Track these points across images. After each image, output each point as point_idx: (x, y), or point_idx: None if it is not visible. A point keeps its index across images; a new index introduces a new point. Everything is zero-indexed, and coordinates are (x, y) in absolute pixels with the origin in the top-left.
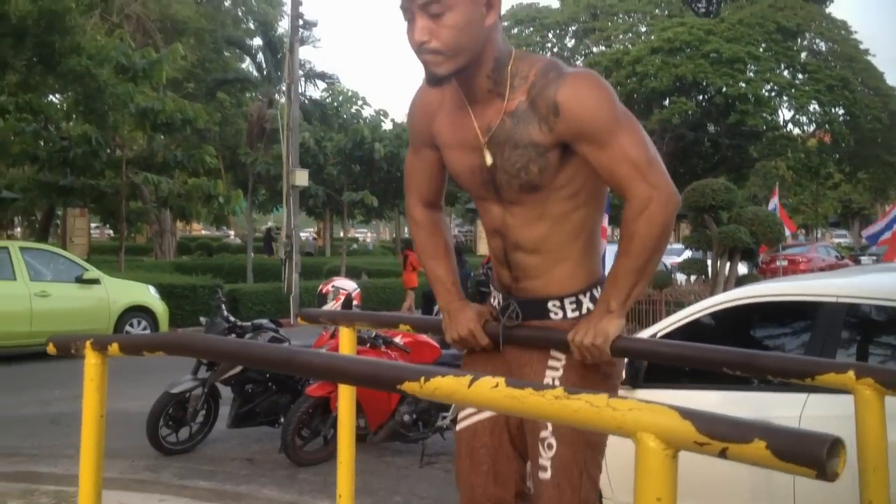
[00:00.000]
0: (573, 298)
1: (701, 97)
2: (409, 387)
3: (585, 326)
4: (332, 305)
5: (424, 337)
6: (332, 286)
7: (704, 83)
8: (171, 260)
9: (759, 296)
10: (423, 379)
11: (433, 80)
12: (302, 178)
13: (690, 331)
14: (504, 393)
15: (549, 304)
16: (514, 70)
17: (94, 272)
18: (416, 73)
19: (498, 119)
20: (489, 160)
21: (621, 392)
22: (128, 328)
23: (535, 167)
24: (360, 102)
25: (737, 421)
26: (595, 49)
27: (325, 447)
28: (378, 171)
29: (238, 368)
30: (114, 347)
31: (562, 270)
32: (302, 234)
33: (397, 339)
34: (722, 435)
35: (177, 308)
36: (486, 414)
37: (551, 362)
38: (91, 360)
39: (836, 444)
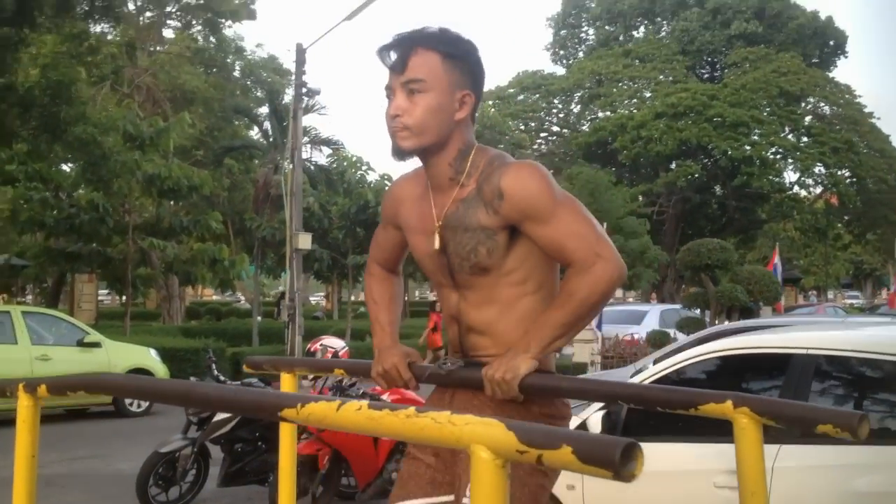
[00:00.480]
0: None
1: (706, 160)
2: (287, 413)
3: (499, 363)
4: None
5: (412, 394)
6: (321, 344)
7: (709, 146)
8: (179, 324)
9: (736, 348)
10: (299, 405)
11: (397, 152)
12: (305, 241)
13: (672, 379)
14: (365, 415)
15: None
16: (474, 161)
17: (95, 335)
18: None
19: (450, 205)
20: (437, 244)
21: None
22: None
23: (484, 249)
24: (364, 167)
25: (549, 430)
26: (600, 114)
27: None
28: None
29: (227, 427)
30: (42, 389)
31: (510, 329)
32: (312, 299)
33: (384, 397)
34: (538, 443)
35: (178, 370)
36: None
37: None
38: (23, 402)
39: (631, 448)
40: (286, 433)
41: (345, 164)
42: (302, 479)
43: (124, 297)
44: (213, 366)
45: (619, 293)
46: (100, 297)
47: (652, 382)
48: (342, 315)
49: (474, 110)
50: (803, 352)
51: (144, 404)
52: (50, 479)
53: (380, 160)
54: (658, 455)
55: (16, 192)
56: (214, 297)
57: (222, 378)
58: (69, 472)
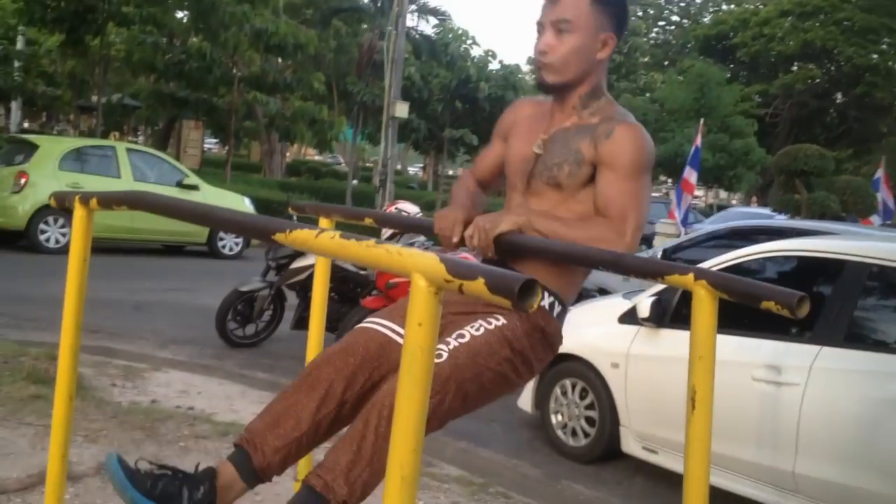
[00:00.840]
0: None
1: (829, 65)
2: (278, 236)
3: (489, 215)
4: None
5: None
6: (396, 207)
7: (834, 51)
8: (279, 179)
9: (795, 249)
10: (287, 231)
11: (541, 85)
12: (402, 110)
13: (735, 273)
14: (337, 242)
15: None
16: (601, 105)
17: (193, 178)
18: (528, 18)
19: (565, 125)
20: (538, 150)
21: (645, 330)
22: (220, 234)
23: (567, 168)
24: (469, 41)
25: (471, 265)
26: (724, 7)
27: None
28: (481, 111)
29: (304, 275)
30: (93, 202)
31: (541, 269)
32: (411, 169)
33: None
34: (461, 275)
35: None
36: (388, 331)
37: (490, 317)
38: (78, 212)
39: (531, 286)
40: (320, 269)
41: (450, 36)
42: None
43: (238, 148)
44: (293, 219)
45: (722, 194)
46: (207, 146)
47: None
48: (437, 187)
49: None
50: (857, 259)
51: (236, 248)
52: (140, 304)
53: (485, 36)
54: None
55: (130, 33)
56: (316, 158)
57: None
58: (159, 301)
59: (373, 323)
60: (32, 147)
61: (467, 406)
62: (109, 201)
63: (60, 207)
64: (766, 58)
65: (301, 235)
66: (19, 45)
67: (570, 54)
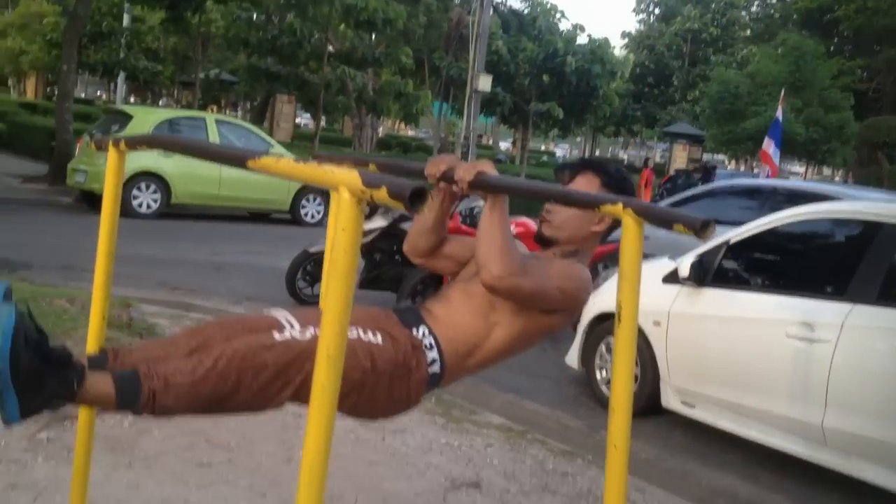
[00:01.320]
0: None
1: None
2: (249, 163)
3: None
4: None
5: (534, 225)
6: None
7: None
8: (367, 153)
9: (831, 211)
10: (257, 158)
11: (537, 234)
12: (485, 83)
13: (766, 236)
14: (291, 165)
15: None
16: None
17: (278, 149)
18: None
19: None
20: None
21: (686, 289)
22: (303, 202)
23: None
24: (557, 16)
25: (380, 177)
26: None
27: None
28: (567, 85)
29: (370, 237)
30: (122, 144)
31: (459, 323)
32: (502, 144)
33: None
34: (371, 185)
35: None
36: (286, 323)
37: (374, 333)
38: (112, 154)
39: (420, 192)
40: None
41: (538, 10)
42: (427, 290)
43: (327, 122)
44: None
45: (825, 171)
46: (302, 121)
47: (749, 237)
48: (523, 161)
49: (610, 228)
50: (893, 221)
51: (318, 215)
52: (220, 265)
53: (573, 10)
54: (740, 302)
55: (227, 9)
56: (410, 133)
57: None
58: (238, 263)
59: (278, 313)
60: (127, 117)
61: (300, 391)
62: (134, 142)
63: (98, 148)
64: (869, 31)
65: (266, 162)
66: (125, 21)
67: (569, 220)
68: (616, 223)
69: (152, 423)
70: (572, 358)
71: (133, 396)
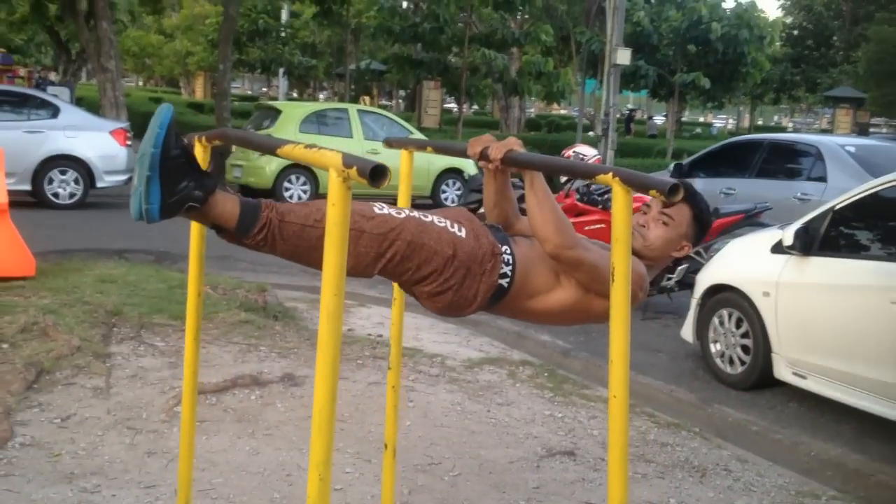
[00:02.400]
0: None
1: None
2: (278, 151)
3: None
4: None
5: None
6: (573, 151)
7: None
8: (515, 134)
9: None
10: (284, 147)
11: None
12: (623, 56)
13: (867, 201)
14: (300, 151)
15: None
16: None
17: (417, 136)
18: None
19: None
20: None
21: (794, 258)
22: (443, 187)
23: None
24: None
25: (356, 158)
26: None
27: None
28: (713, 53)
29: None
30: (203, 139)
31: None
32: (657, 119)
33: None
34: (349, 165)
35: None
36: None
37: (462, 227)
38: (197, 147)
39: (380, 169)
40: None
41: None
42: None
43: (469, 105)
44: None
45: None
46: (451, 105)
47: (853, 202)
48: (679, 136)
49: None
50: None
51: (458, 200)
52: None
53: None
54: (846, 270)
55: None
56: (562, 111)
57: None
58: None
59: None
60: (277, 112)
61: (401, 262)
62: (210, 137)
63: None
64: None
65: (287, 148)
66: (283, 17)
67: (659, 239)
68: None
69: (276, 397)
70: (687, 332)
71: (252, 220)
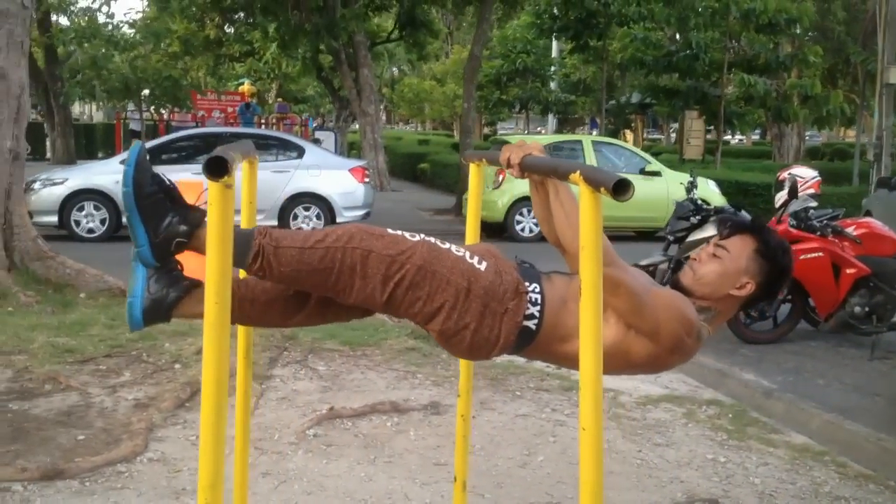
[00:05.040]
0: None
1: None
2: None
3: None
4: (781, 193)
5: (881, 229)
6: (789, 173)
7: None
8: (784, 163)
9: None
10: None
11: (673, 282)
12: (895, 75)
13: None
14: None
15: None
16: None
17: (655, 165)
18: None
19: None
20: None
21: None
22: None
23: None
24: None
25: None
26: None
27: (773, 329)
28: None
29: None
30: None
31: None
32: None
33: (849, 230)
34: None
35: (752, 205)
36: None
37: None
38: (244, 169)
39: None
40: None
41: None
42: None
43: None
44: (694, 190)
45: None
46: (727, 137)
47: None
48: None
49: (752, 297)
50: None
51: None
52: None
53: None
54: None
55: (623, 31)
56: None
57: (699, 202)
58: None
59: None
60: None
61: (410, 290)
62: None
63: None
64: None
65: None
66: (553, 53)
67: (711, 273)
68: (759, 294)
69: (412, 425)
70: None
71: (244, 250)
